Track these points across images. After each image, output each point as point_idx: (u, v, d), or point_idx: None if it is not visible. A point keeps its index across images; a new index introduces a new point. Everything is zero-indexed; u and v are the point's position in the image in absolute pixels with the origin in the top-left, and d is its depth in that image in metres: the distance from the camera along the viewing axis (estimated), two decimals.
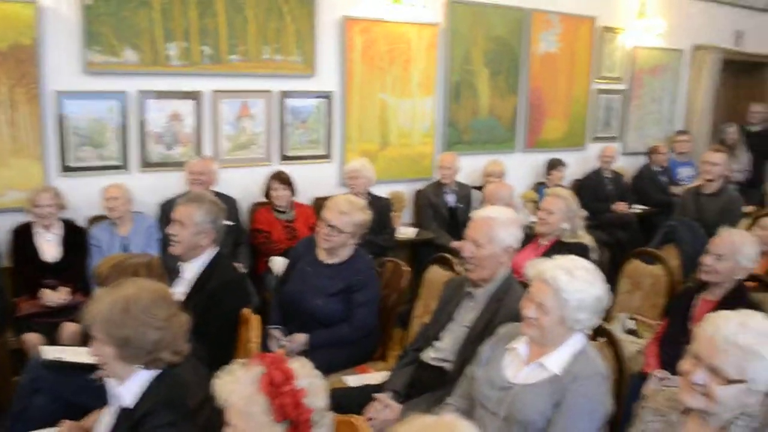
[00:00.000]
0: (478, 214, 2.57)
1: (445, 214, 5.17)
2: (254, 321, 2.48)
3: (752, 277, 3.09)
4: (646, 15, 6.56)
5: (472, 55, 5.56)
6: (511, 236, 2.50)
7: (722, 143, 6.79)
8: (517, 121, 5.97)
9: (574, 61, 6.22)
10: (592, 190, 6.14)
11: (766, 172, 7.00)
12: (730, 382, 1.54)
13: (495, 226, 2.47)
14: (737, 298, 2.73)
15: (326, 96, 4.91)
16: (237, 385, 1.44)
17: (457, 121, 5.59)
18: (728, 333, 1.56)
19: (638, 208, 6.20)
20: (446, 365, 2.47)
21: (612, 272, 3.64)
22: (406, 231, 5.03)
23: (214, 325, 2.49)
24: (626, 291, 3.60)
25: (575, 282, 1.96)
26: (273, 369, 1.44)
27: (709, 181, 4.96)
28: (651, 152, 6.61)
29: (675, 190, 6.21)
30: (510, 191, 4.18)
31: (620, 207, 6.04)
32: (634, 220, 5.96)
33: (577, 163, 6.40)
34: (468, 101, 5.61)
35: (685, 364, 1.64)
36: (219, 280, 2.63)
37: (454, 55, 5.45)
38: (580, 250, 3.39)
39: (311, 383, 1.48)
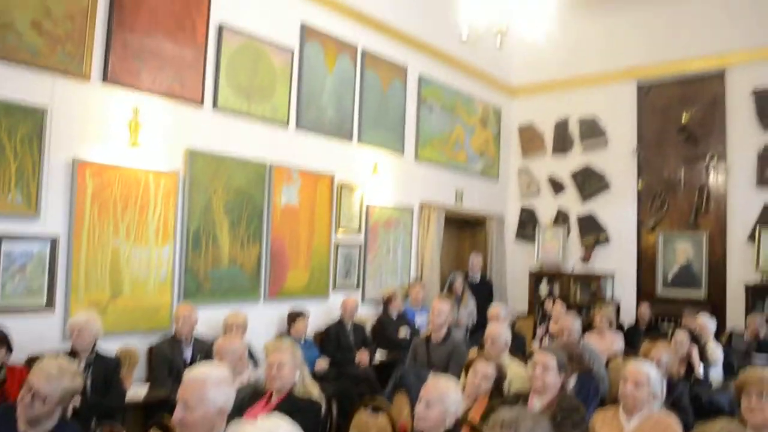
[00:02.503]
0: (191, 374, 2.47)
1: (183, 370, 4.89)
2: None
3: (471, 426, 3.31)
4: (379, 174, 7.29)
5: (213, 203, 5.64)
6: (224, 396, 2.42)
7: (451, 291, 7.55)
8: (261, 270, 6.06)
9: (314, 214, 6.61)
10: (336, 340, 6.33)
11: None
12: None
13: (207, 386, 2.38)
14: None
15: (51, 240, 4.56)
16: None
17: (197, 270, 5.52)
18: None
19: (381, 355, 6.50)
20: None
21: (344, 424, 3.69)
22: (137, 391, 4.65)
23: None
24: None
25: None
26: None
27: (437, 328, 5.40)
28: (387, 300, 7.08)
29: (402, 333, 6.66)
30: (242, 345, 4.12)
31: (363, 356, 6.28)
32: (372, 373, 6.17)
33: (322, 313, 6.61)
34: (208, 250, 5.59)
35: None
36: None
37: (194, 203, 5.48)
38: (311, 408, 3.42)
39: None
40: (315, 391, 3.68)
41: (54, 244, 4.58)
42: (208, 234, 5.61)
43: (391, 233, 7.69)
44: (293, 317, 5.99)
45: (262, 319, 5.98)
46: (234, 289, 5.83)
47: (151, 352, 5.09)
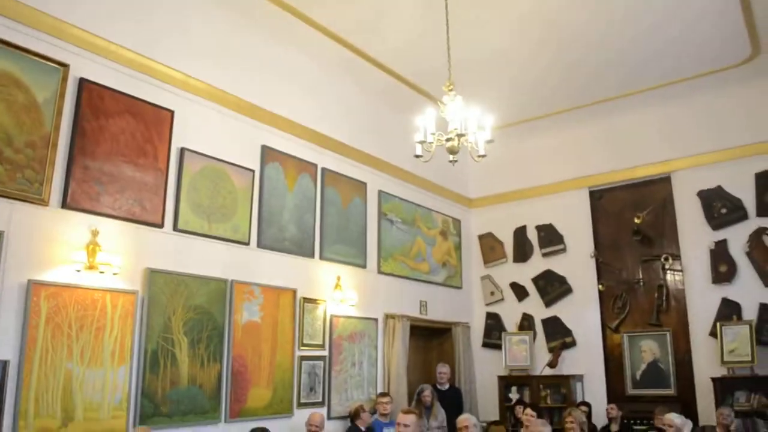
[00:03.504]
0: None
1: None
2: None
3: None
4: (342, 288, 7.35)
5: (173, 323, 5.61)
6: None
7: (420, 402, 7.42)
8: (221, 389, 5.93)
9: (277, 330, 6.58)
10: None
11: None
12: None
13: None
14: None
15: (1, 364, 4.46)
16: None
17: (155, 391, 5.39)
18: None
19: None
20: None
21: None
22: None
23: None
24: None
25: None
26: None
27: None
28: (354, 415, 6.92)
29: None
30: None
31: None
32: None
33: (286, 431, 6.41)
34: (166, 370, 5.50)
35: None
36: None
37: (152, 323, 5.45)
38: None
39: None
40: None
41: (3, 368, 4.47)
42: (167, 354, 5.53)
43: (356, 346, 7.63)
44: None
45: None
46: (193, 410, 5.66)
47: None
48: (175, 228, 5.83)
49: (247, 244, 6.49)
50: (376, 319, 8.01)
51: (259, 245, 6.61)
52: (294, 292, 6.86)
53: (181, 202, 5.89)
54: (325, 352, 7.18)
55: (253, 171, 6.67)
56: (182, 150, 5.98)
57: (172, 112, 5.93)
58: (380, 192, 8.47)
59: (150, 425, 5.15)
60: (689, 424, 6.25)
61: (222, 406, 5.93)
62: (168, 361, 5.52)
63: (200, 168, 6.12)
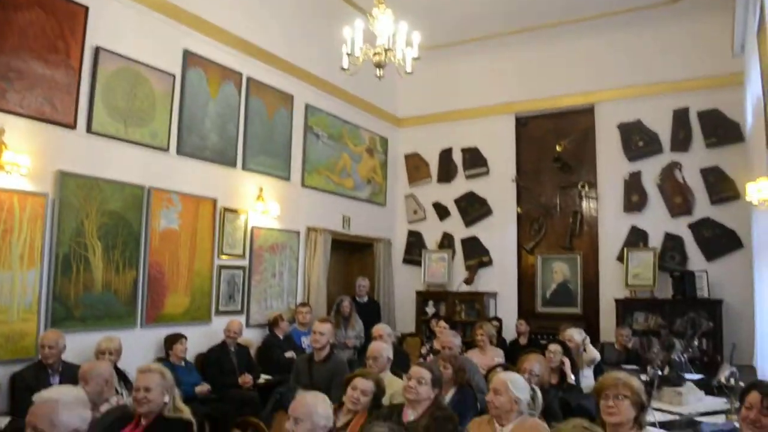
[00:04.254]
0: (42, 396, 2.42)
1: None
2: None
3: None
4: (264, 200, 7.31)
5: (85, 227, 5.49)
6: (77, 418, 2.38)
7: (339, 313, 7.62)
8: (137, 295, 5.91)
9: (196, 238, 6.54)
10: (218, 364, 6.25)
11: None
12: None
13: (58, 409, 2.34)
14: None
15: None
16: None
17: (67, 295, 5.33)
18: None
19: (266, 378, 6.46)
20: None
21: None
22: None
23: None
24: None
25: None
26: None
27: (319, 349, 5.46)
28: (273, 323, 7.08)
29: (288, 355, 6.69)
30: (108, 369, 4.01)
31: (246, 378, 6.23)
32: (255, 395, 6.13)
33: (204, 337, 6.50)
34: (79, 275, 5.42)
35: None
36: None
37: (63, 227, 5.31)
38: (181, 427, 3.38)
39: None
40: (186, 413, 3.63)
41: None
42: (80, 258, 5.43)
43: (277, 257, 7.70)
44: (171, 341, 5.90)
45: (139, 345, 5.83)
46: (108, 315, 5.65)
47: (15, 379, 4.84)
48: (89, 130, 5.60)
49: (167, 150, 6.33)
50: (298, 232, 8.06)
51: (179, 152, 6.46)
52: (214, 201, 6.79)
53: (95, 104, 5.65)
54: (245, 262, 7.21)
55: (173, 75, 6.43)
56: (97, 49, 5.68)
57: (86, 8, 5.58)
58: (307, 105, 8.35)
59: (62, 329, 5.10)
60: (587, 339, 6.68)
61: (138, 311, 5.93)
62: (81, 266, 5.44)
63: (116, 69, 5.84)
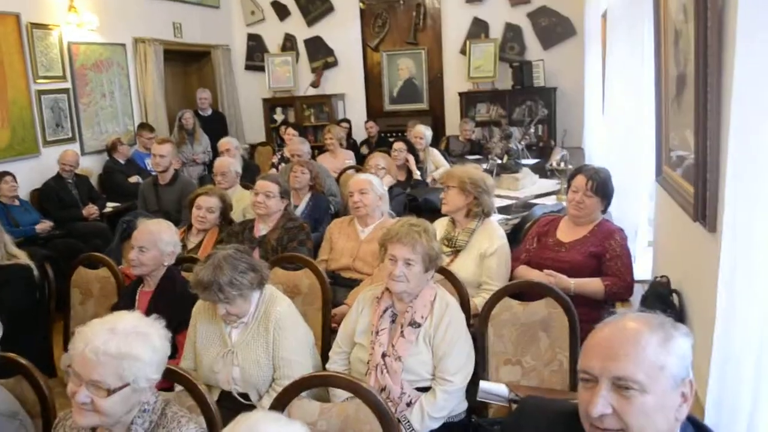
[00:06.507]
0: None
1: None
2: None
3: (186, 259, 3.40)
4: (77, 10, 6.49)
5: None
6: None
7: (182, 129, 7.31)
8: None
9: (4, 63, 5.77)
10: (57, 199, 5.92)
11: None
12: (114, 391, 1.59)
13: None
14: (169, 282, 2.97)
15: None
16: None
17: None
18: (98, 344, 1.57)
19: (113, 206, 6.25)
20: None
21: (63, 285, 3.56)
22: None
23: None
24: (79, 302, 3.46)
25: None
26: None
27: (162, 172, 5.29)
28: (111, 148, 6.70)
29: (133, 179, 6.49)
30: None
31: (90, 210, 5.99)
32: (104, 227, 5.94)
33: (35, 172, 6.03)
34: None
35: (69, 386, 1.62)
36: None
37: None
38: (19, 274, 3.24)
39: None
40: (22, 257, 3.45)
41: None
42: None
43: (104, 75, 7.05)
44: None
45: None
46: None
47: None
48: None
49: None
50: (123, 45, 7.35)
51: None
52: (17, 16, 5.93)
53: None
54: (68, 84, 6.56)
55: None
56: None
57: None
58: None
59: None
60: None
61: None
62: None
63: None
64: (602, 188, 3.12)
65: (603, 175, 3.16)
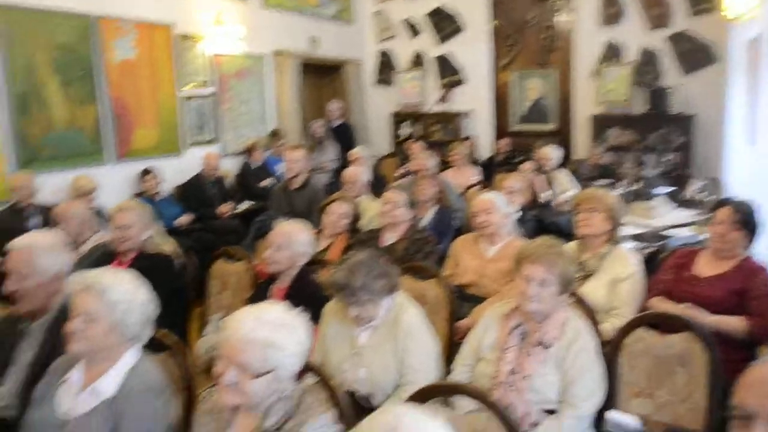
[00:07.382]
0: (17, 243, 2.44)
1: None
2: None
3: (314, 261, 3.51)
4: (223, 23, 6.91)
5: (38, 63, 5.19)
6: (58, 262, 2.42)
7: (313, 138, 7.61)
8: (102, 131, 5.77)
9: (155, 68, 6.26)
10: (196, 196, 6.33)
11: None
12: (258, 375, 1.71)
13: (36, 254, 2.37)
14: (302, 281, 3.09)
15: None
16: None
17: (30, 136, 5.17)
18: (246, 331, 1.70)
19: (246, 206, 6.62)
20: (9, 414, 2.26)
21: (203, 276, 3.80)
22: None
23: None
24: (216, 292, 3.72)
25: (122, 284, 2.01)
26: None
27: (294, 177, 5.51)
28: (248, 152, 7.08)
29: (265, 183, 6.81)
30: (84, 209, 4.02)
31: (224, 209, 6.34)
32: (237, 224, 6.27)
33: (178, 170, 6.48)
34: (40, 114, 5.22)
35: (218, 367, 1.74)
36: None
37: (15, 64, 5.01)
38: (163, 262, 3.46)
39: None
40: (168, 247, 3.70)
41: None
42: (37, 96, 5.20)
43: (245, 84, 7.47)
44: (143, 176, 5.92)
45: (112, 182, 5.80)
46: (77, 154, 5.54)
47: None
48: None
49: None
50: (264, 56, 7.75)
51: None
52: (169, 27, 6.41)
53: None
54: (211, 91, 7.00)
55: None
56: None
57: None
58: None
59: (33, 170, 5.03)
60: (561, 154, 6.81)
61: (106, 147, 5.82)
62: (39, 104, 5.21)
63: None
64: (749, 222, 2.97)
65: (750, 208, 3.01)
